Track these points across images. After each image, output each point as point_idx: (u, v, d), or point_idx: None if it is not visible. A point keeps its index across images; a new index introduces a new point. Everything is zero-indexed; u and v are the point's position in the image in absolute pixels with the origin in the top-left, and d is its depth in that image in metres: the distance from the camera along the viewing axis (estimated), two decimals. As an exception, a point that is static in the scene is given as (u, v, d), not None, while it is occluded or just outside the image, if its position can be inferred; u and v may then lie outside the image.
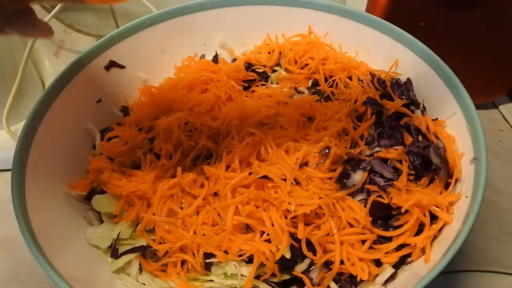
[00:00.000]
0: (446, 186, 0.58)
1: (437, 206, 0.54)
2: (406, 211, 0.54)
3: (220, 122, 0.70)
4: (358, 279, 0.53)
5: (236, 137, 0.68)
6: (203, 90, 0.77)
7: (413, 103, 0.68)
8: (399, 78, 0.72)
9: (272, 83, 0.81)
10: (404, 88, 0.70)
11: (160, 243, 0.59)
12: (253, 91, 0.78)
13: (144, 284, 0.59)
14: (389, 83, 0.70)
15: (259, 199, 0.59)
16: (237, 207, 0.59)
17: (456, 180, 0.57)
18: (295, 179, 0.59)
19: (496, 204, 0.81)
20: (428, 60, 0.67)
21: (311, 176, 0.59)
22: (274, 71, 0.82)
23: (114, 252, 0.61)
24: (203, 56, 0.84)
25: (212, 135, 0.70)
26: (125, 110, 0.78)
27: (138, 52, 0.79)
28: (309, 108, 0.69)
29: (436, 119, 0.65)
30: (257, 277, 0.58)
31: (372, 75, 0.72)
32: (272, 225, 0.57)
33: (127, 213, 0.63)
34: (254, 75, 0.81)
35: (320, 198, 0.57)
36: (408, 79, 0.71)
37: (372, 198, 0.56)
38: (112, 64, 0.76)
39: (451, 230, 0.52)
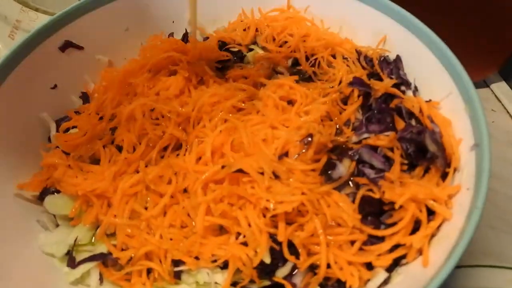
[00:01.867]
0: (443, 176, 0.51)
1: (434, 200, 0.48)
2: (400, 206, 0.48)
3: (190, 108, 0.62)
4: (347, 285, 0.47)
5: (208, 125, 0.60)
6: (171, 73, 0.68)
7: (403, 83, 0.62)
8: (387, 56, 0.65)
9: (248, 63, 0.73)
10: (393, 66, 0.63)
11: (122, 249, 0.52)
12: (226, 73, 0.70)
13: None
14: (377, 61, 0.63)
15: (234, 196, 0.52)
16: (209, 206, 0.52)
17: (455, 170, 0.51)
18: (273, 173, 0.52)
19: (490, 190, 0.75)
20: (419, 34, 0.60)
21: (292, 169, 0.53)
22: (250, 50, 0.74)
23: (71, 260, 0.53)
24: (171, 35, 0.76)
25: (182, 123, 0.62)
26: (85, 97, 0.70)
27: (98, 31, 0.70)
28: (288, 90, 0.62)
29: (430, 100, 0.58)
30: (234, 284, 0.51)
31: (358, 53, 0.65)
32: (249, 225, 0.50)
33: (85, 215, 0.55)
34: (228, 54, 0.73)
35: (302, 193, 0.50)
36: (398, 57, 0.64)
37: (362, 192, 0.50)
38: (68, 45, 0.67)
39: (451, 227, 0.46)
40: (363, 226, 0.49)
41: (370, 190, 0.50)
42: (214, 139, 0.57)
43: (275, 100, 0.61)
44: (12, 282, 0.49)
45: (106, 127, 0.63)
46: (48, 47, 0.65)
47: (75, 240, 0.54)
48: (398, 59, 0.64)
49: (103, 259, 0.52)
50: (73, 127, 0.65)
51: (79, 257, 0.54)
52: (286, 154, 0.55)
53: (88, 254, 0.53)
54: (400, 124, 0.56)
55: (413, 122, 0.56)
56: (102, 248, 0.53)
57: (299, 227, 0.51)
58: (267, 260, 0.49)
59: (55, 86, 0.67)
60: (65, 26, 0.67)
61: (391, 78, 0.62)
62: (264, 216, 0.50)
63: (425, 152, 0.51)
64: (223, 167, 0.53)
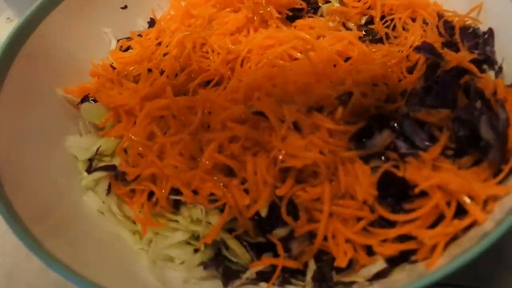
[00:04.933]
0: (496, 174, 0.41)
1: (470, 197, 0.39)
2: (425, 193, 0.40)
3: (241, 47, 0.59)
4: (335, 264, 0.41)
5: (254, 67, 0.57)
6: (236, 10, 0.66)
7: (487, 61, 0.51)
8: (477, 27, 0.54)
9: (322, 16, 0.67)
10: (481, 40, 0.52)
11: (133, 167, 0.52)
12: (295, 21, 0.65)
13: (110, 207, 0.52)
14: (459, 30, 0.52)
15: (250, 139, 0.48)
16: (222, 145, 0.49)
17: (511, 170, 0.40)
18: (294, 123, 0.47)
19: None
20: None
21: (318, 124, 0.47)
22: (328, 1, 0.68)
23: (89, 166, 0.55)
24: (249, -26, 0.72)
25: (231, 61, 0.60)
26: (152, 23, 0.71)
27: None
28: (347, 45, 0.55)
29: (512, 85, 0.47)
30: (230, 231, 0.48)
31: (440, 16, 0.55)
32: (255, 173, 0.46)
33: (113, 129, 0.56)
34: (302, 3, 0.67)
35: (320, 153, 0.45)
36: (490, 30, 0.53)
37: (385, 167, 0.42)
38: (144, -31, 0.68)
39: (481, 233, 0.37)
40: (376, 205, 0.42)
41: (396, 166, 0.42)
42: (252, 80, 0.53)
43: (329, 53, 0.54)
44: (34, 171, 0.52)
45: (159, 52, 0.62)
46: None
47: (98, 149, 0.55)
48: (489, 32, 0.53)
49: (114, 171, 0.52)
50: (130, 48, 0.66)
51: (97, 165, 0.55)
52: (320, 109, 0.49)
53: (105, 164, 0.55)
54: (464, 103, 0.46)
55: (478, 104, 0.45)
56: (118, 162, 0.54)
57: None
58: (263, 213, 0.45)
59: (125, 6, 0.68)
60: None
61: (473, 52, 0.51)
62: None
63: (479, 140, 0.42)
64: (245, 105, 0.49)
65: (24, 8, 0.77)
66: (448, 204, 0.39)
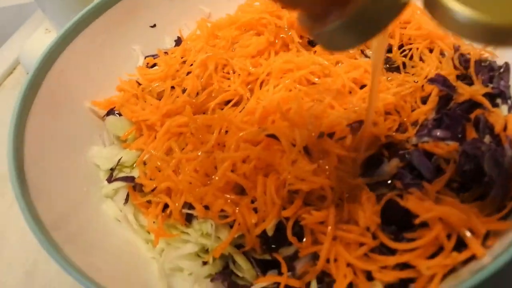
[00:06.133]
0: (500, 209, 0.42)
1: (471, 231, 0.39)
2: (427, 224, 0.41)
3: (261, 69, 0.62)
4: (335, 286, 0.42)
5: (272, 90, 0.59)
6: (259, 33, 0.68)
7: (500, 95, 0.52)
8: (493, 61, 0.55)
9: (343, 42, 0.69)
10: (496, 74, 0.53)
11: (150, 180, 0.55)
12: (315, 45, 0.67)
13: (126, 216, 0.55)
14: (474, 63, 0.53)
15: (262, 160, 0.50)
16: (235, 164, 0.51)
17: (515, 206, 0.41)
18: (305, 148, 0.48)
19: None
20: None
21: (329, 150, 0.48)
22: (349, 28, 0.69)
23: (110, 176, 0.58)
24: (275, -2, 0.75)
25: (250, 83, 0.62)
26: (178, 41, 0.74)
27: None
28: (363, 74, 0.57)
29: (524, 121, 0.47)
30: (239, 246, 0.50)
31: (456, 49, 0.56)
32: (265, 194, 0.48)
33: (135, 142, 0.59)
34: (324, 29, 0.69)
35: (328, 178, 0.46)
36: (506, 64, 0.53)
37: (389, 196, 0.44)
38: (175, -10, 0.72)
39: (479, 267, 0.37)
40: (379, 232, 0.43)
41: (401, 196, 0.43)
42: (268, 103, 0.56)
43: (344, 80, 0.56)
44: (59, 177, 0.56)
45: (181, 71, 0.66)
46: (156, -12, 0.70)
47: (119, 160, 0.58)
48: (505, 67, 0.53)
49: (131, 182, 0.55)
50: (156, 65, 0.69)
51: (118, 176, 0.58)
52: (331, 135, 0.51)
53: (125, 175, 0.58)
54: (473, 136, 0.47)
55: (487, 138, 0.46)
56: (137, 174, 0.57)
57: (316, 211, 0.47)
58: (270, 232, 0.47)
59: (154, 25, 0.72)
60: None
61: (487, 86, 0.52)
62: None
63: (484, 175, 0.42)
64: (259, 128, 0.51)
65: (62, 20, 0.83)
66: (449, 236, 0.40)
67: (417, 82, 0.56)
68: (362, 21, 0.30)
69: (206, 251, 0.52)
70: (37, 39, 0.94)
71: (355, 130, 0.49)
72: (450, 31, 0.28)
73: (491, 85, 0.52)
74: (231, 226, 0.50)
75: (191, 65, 0.66)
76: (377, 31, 0.31)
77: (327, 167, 0.47)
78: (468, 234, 0.39)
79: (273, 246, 0.48)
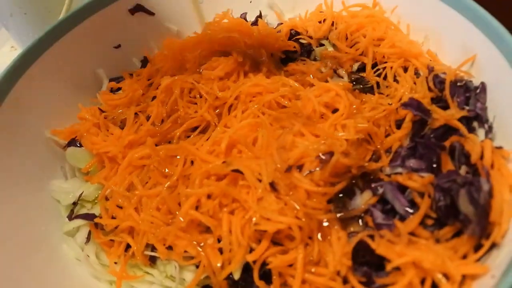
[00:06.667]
0: (478, 247, 0.39)
1: (445, 275, 0.37)
2: (399, 268, 0.38)
3: (228, 93, 0.59)
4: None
5: (239, 115, 0.56)
6: (226, 53, 0.65)
7: (477, 118, 0.49)
8: (470, 81, 0.52)
9: (315, 59, 0.66)
10: (472, 95, 0.50)
11: (112, 217, 0.51)
12: (288, 65, 0.65)
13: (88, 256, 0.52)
14: (450, 84, 0.51)
15: (228, 197, 0.47)
16: (199, 200, 0.48)
17: (493, 245, 0.38)
18: (272, 183, 0.45)
19: None
20: (519, 64, 0.46)
21: (297, 185, 0.46)
22: (321, 45, 0.67)
23: (70, 212, 0.55)
24: (244, 15, 0.72)
25: (219, 107, 0.59)
26: (145, 62, 0.71)
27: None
28: (334, 97, 0.54)
29: (501, 147, 0.45)
30: (207, 287, 0.47)
31: (430, 70, 0.53)
32: (231, 233, 0.45)
33: (96, 175, 0.56)
34: (296, 46, 0.66)
35: (296, 217, 0.43)
36: (482, 85, 0.51)
37: (360, 236, 0.41)
38: (139, 8, 0.69)
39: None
40: (350, 275, 0.40)
41: (372, 236, 0.41)
42: (235, 132, 0.52)
43: (314, 104, 0.53)
44: (18, 213, 0.52)
45: (147, 95, 0.62)
46: (119, 7, 0.67)
47: (80, 195, 0.55)
48: (482, 87, 0.51)
49: (92, 219, 0.52)
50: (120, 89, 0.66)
51: (80, 212, 0.55)
52: (300, 167, 0.48)
53: (86, 211, 0.54)
54: (448, 166, 0.44)
55: (463, 169, 0.44)
56: (98, 210, 0.53)
57: (284, 252, 0.44)
58: (236, 275, 0.44)
59: (119, 45, 0.69)
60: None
61: (463, 108, 0.49)
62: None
63: (459, 211, 0.40)
64: (223, 162, 0.48)
65: (26, 38, 0.79)
66: (423, 281, 0.37)
67: (391, 104, 0.53)
68: None
69: (172, 292, 0.49)
70: (2, 56, 0.90)
71: (325, 162, 0.46)
72: None
73: (467, 108, 0.49)
74: (198, 266, 0.47)
75: (157, 88, 0.62)
76: None
77: (295, 204, 0.44)
78: (443, 280, 0.37)
79: (241, 288, 0.45)
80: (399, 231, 0.40)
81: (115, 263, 0.50)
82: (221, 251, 0.45)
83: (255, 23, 0.70)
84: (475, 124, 0.49)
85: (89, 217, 0.53)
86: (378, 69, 0.58)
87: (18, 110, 0.57)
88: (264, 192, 0.45)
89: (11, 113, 0.56)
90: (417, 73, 0.56)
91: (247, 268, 0.45)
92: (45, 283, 0.49)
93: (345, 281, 0.41)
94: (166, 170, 0.52)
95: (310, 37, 0.67)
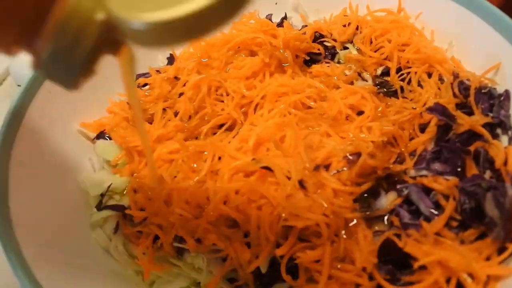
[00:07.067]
0: (501, 250, 0.41)
1: (470, 275, 0.38)
2: (424, 266, 0.39)
3: (255, 92, 0.60)
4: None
5: (266, 114, 0.57)
6: (252, 53, 0.66)
7: (500, 125, 0.50)
8: (494, 88, 0.53)
9: (339, 62, 0.67)
10: (496, 102, 0.52)
11: (141, 209, 0.53)
12: (312, 67, 0.66)
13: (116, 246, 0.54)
14: (474, 91, 0.52)
15: (256, 193, 0.49)
16: (228, 195, 0.49)
17: (517, 248, 0.40)
18: (300, 181, 0.47)
19: None
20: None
21: (324, 184, 0.47)
22: (345, 48, 0.68)
23: (99, 203, 0.56)
24: (269, 16, 0.74)
25: (245, 106, 0.61)
26: (171, 59, 0.72)
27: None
28: (359, 100, 0.55)
29: (525, 154, 0.46)
30: (232, 280, 0.49)
31: (455, 76, 0.55)
32: (259, 228, 0.47)
33: (125, 168, 0.57)
34: (320, 48, 0.68)
35: (324, 214, 0.45)
36: (507, 92, 0.52)
37: (386, 235, 0.42)
38: (167, 6, 0.70)
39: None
40: (375, 273, 0.42)
41: (399, 235, 0.42)
42: (262, 130, 0.54)
43: (340, 106, 0.55)
44: (47, 206, 0.54)
45: (173, 91, 0.64)
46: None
47: (109, 186, 0.56)
48: (506, 95, 0.52)
49: (121, 211, 0.53)
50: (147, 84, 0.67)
51: (108, 203, 0.56)
52: (327, 167, 0.49)
53: (115, 203, 0.56)
54: (472, 171, 0.46)
55: (487, 173, 0.45)
56: (127, 201, 0.55)
57: (311, 248, 0.45)
58: (263, 269, 0.46)
59: (146, 42, 0.70)
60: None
61: (487, 115, 0.51)
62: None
63: (485, 214, 0.41)
64: (253, 159, 0.50)
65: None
66: (448, 280, 0.39)
67: (415, 108, 0.54)
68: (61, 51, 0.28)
69: (197, 284, 0.50)
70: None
71: (352, 163, 0.47)
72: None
73: (491, 114, 0.51)
74: (224, 260, 0.49)
75: (184, 85, 0.64)
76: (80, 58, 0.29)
77: (323, 202, 0.45)
78: (468, 279, 0.38)
79: (267, 282, 0.47)
80: (425, 231, 0.41)
81: (143, 254, 0.52)
82: (248, 245, 0.47)
83: (280, 24, 0.72)
84: (499, 130, 0.50)
85: (118, 208, 0.54)
86: (402, 74, 0.59)
87: (50, 102, 0.59)
88: (293, 190, 0.46)
89: (44, 105, 0.57)
90: (441, 79, 0.57)
91: (273, 263, 0.47)
92: (73, 271, 0.50)
93: (370, 278, 0.42)
94: (195, 165, 0.54)
95: (335, 40, 0.68)
